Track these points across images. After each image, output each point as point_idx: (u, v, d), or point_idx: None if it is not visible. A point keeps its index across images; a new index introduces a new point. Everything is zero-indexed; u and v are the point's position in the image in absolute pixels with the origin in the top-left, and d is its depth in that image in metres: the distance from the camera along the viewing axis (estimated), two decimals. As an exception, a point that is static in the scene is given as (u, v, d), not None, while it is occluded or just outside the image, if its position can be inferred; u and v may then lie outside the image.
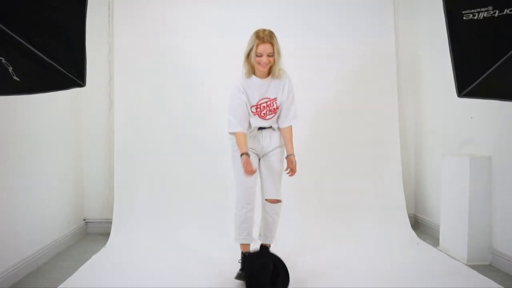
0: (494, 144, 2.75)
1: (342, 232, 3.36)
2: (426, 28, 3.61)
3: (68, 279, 2.51)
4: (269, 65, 2.42)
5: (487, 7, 1.48)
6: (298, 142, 3.59)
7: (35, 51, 1.54)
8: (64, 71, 1.62)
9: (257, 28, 2.44)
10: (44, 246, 2.89)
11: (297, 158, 3.57)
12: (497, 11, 1.47)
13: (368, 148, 3.65)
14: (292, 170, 2.55)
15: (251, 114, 2.49)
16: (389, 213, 3.52)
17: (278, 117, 2.56)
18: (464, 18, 1.53)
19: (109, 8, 3.61)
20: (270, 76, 2.48)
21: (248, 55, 2.43)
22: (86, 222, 3.67)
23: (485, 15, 1.49)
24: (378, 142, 3.66)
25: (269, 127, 2.56)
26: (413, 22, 3.79)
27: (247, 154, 2.39)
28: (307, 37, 3.66)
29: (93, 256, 2.93)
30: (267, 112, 2.50)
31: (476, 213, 2.75)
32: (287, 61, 3.68)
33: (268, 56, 2.37)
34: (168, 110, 3.61)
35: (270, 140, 2.57)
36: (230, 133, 2.52)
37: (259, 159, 2.61)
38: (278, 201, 2.55)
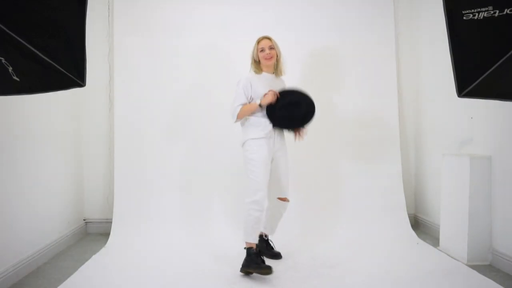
0: (494, 144, 2.75)
1: (342, 232, 3.36)
2: (426, 28, 3.61)
3: (68, 279, 2.51)
4: (274, 59, 2.68)
5: (487, 7, 1.48)
6: (297, 142, 3.62)
7: (35, 51, 1.54)
8: (64, 71, 1.62)
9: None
10: (44, 246, 2.89)
11: (297, 158, 3.60)
12: (497, 11, 1.47)
13: (368, 148, 3.65)
14: (299, 134, 2.77)
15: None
16: (389, 213, 3.52)
17: None
18: (464, 18, 1.53)
19: (109, 8, 3.62)
20: (274, 73, 2.76)
21: (254, 58, 2.71)
22: (86, 222, 3.67)
23: (485, 15, 1.49)
24: (378, 142, 3.66)
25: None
26: (413, 22, 3.80)
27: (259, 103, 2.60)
28: (307, 37, 3.66)
29: (93, 256, 2.93)
30: None
31: (476, 213, 2.76)
32: (287, 60, 3.70)
33: (270, 48, 2.65)
34: (168, 110, 3.61)
35: (280, 139, 2.76)
36: (235, 121, 2.68)
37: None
38: (287, 200, 2.82)
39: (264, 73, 2.72)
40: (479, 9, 1.49)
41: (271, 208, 2.82)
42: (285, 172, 2.77)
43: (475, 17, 1.51)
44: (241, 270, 2.56)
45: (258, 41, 2.70)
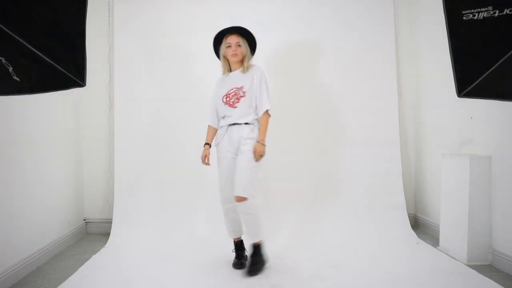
0: (494, 144, 2.75)
1: (342, 232, 3.36)
2: (426, 28, 3.61)
3: (68, 279, 2.51)
4: (239, 56, 2.62)
5: (487, 7, 1.48)
6: (297, 141, 3.64)
7: (35, 51, 1.54)
8: (64, 71, 1.62)
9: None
10: (44, 246, 2.89)
11: (296, 158, 3.61)
12: (497, 11, 1.47)
13: (368, 148, 3.64)
14: (254, 154, 2.58)
15: (223, 104, 2.67)
16: (389, 213, 3.52)
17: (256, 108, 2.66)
18: (464, 18, 1.53)
19: (109, 8, 3.62)
20: (241, 70, 2.68)
21: (222, 54, 2.69)
22: (86, 222, 3.68)
23: (485, 15, 1.49)
24: (378, 142, 3.66)
25: (240, 124, 2.62)
26: (413, 22, 3.80)
27: (208, 144, 2.75)
28: (307, 37, 3.66)
29: (93, 256, 2.94)
30: (235, 100, 2.63)
31: (476, 213, 2.76)
32: (287, 60, 3.71)
33: (237, 45, 2.59)
34: (168, 109, 3.61)
35: (241, 134, 2.62)
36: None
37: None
38: (242, 198, 2.50)
39: (232, 73, 2.69)
40: (479, 9, 1.49)
41: None
42: (242, 166, 2.56)
43: (475, 17, 1.51)
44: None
45: (226, 36, 2.62)
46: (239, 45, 2.60)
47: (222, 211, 2.74)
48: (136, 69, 3.60)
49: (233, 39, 2.60)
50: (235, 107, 2.62)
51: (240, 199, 2.51)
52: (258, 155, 2.56)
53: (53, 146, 3.13)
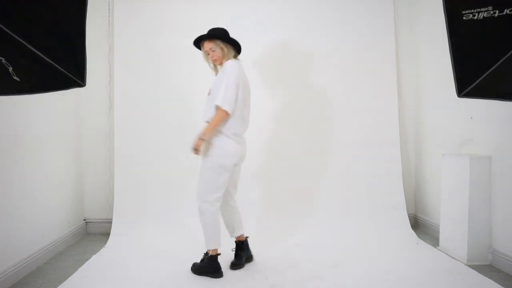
0: (494, 144, 2.75)
1: (342, 232, 3.36)
2: (426, 28, 3.61)
3: (68, 279, 2.51)
4: (220, 59, 2.64)
5: (487, 7, 1.48)
6: (297, 141, 3.64)
7: (35, 51, 1.54)
8: (64, 71, 1.62)
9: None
10: (44, 246, 2.89)
11: (296, 158, 3.61)
12: (497, 11, 1.47)
13: (368, 148, 3.65)
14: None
15: None
16: (389, 213, 3.52)
17: None
18: (464, 18, 1.53)
19: (109, 8, 3.62)
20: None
21: (208, 62, 2.73)
22: (86, 222, 3.68)
23: (485, 15, 1.49)
24: (378, 142, 3.66)
25: (205, 122, 2.60)
26: (413, 22, 3.80)
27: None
28: (307, 37, 3.66)
29: (93, 256, 2.94)
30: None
31: (476, 213, 2.76)
32: (287, 60, 3.71)
33: (212, 51, 2.62)
34: (168, 110, 3.61)
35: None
36: None
37: None
38: (198, 202, 2.62)
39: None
40: (479, 9, 1.49)
41: None
42: (201, 168, 2.64)
43: (475, 17, 1.51)
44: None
45: (202, 44, 2.65)
46: (213, 50, 2.62)
47: None
48: (136, 69, 3.60)
49: (207, 46, 2.63)
50: (208, 107, 2.64)
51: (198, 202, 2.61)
52: (193, 149, 2.49)
53: (53, 146, 3.13)
